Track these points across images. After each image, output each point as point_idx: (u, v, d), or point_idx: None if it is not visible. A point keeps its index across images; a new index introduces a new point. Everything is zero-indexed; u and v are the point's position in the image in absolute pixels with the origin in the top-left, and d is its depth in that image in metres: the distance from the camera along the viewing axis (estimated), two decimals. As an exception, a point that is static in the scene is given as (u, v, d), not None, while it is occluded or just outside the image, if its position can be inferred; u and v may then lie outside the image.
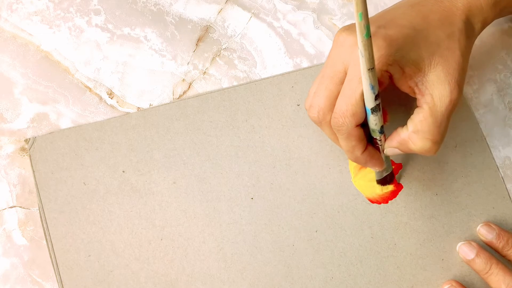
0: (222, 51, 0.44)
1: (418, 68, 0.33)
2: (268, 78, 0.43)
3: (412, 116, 0.34)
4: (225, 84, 0.43)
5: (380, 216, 0.40)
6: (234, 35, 0.44)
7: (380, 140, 0.35)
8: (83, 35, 0.44)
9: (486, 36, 0.45)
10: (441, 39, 0.34)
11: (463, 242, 0.40)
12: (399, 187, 0.39)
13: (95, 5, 0.45)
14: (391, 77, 0.34)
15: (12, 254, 0.39)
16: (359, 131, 0.34)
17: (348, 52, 0.33)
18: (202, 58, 0.44)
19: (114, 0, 0.45)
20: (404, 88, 0.35)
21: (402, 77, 0.34)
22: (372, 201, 0.39)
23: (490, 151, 0.42)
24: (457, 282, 0.39)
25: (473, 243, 0.39)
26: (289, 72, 0.43)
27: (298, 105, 0.42)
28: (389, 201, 0.39)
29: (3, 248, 0.39)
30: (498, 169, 0.42)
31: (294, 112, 0.42)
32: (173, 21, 0.44)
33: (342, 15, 0.45)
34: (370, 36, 0.29)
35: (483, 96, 0.43)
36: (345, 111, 0.33)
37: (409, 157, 0.41)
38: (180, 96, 0.43)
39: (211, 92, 0.43)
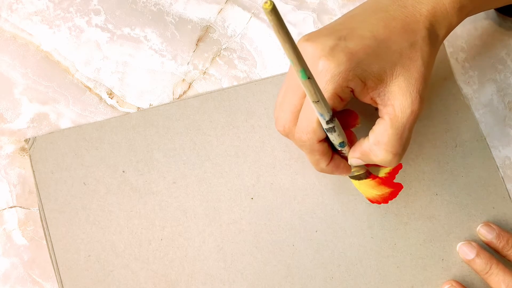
0: (222, 51, 0.44)
1: (380, 79, 0.32)
2: (268, 78, 0.43)
3: (373, 127, 0.34)
4: (225, 84, 0.43)
5: (380, 216, 0.40)
6: (234, 35, 0.44)
7: (345, 151, 0.35)
8: (83, 35, 0.44)
9: (486, 36, 0.45)
10: (403, 48, 0.33)
11: (463, 242, 0.40)
12: (399, 187, 0.39)
13: (95, 5, 0.45)
14: (352, 91, 0.33)
15: (12, 254, 0.39)
16: (322, 146, 0.34)
17: (308, 64, 0.32)
18: (202, 58, 0.44)
19: (114, 0, 0.45)
20: (366, 99, 0.34)
21: (364, 90, 0.33)
22: (372, 201, 0.39)
23: (490, 151, 0.42)
24: (457, 282, 0.39)
25: (473, 243, 0.39)
26: (289, 72, 0.43)
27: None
28: (389, 201, 0.39)
29: (3, 248, 0.39)
30: (498, 169, 0.42)
31: (294, 112, 0.42)
32: (173, 21, 0.44)
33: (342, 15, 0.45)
34: (309, 77, 0.28)
35: (483, 96, 0.43)
36: (306, 128, 0.33)
37: (409, 157, 0.41)
38: (180, 96, 0.43)
39: (211, 92, 0.43)
